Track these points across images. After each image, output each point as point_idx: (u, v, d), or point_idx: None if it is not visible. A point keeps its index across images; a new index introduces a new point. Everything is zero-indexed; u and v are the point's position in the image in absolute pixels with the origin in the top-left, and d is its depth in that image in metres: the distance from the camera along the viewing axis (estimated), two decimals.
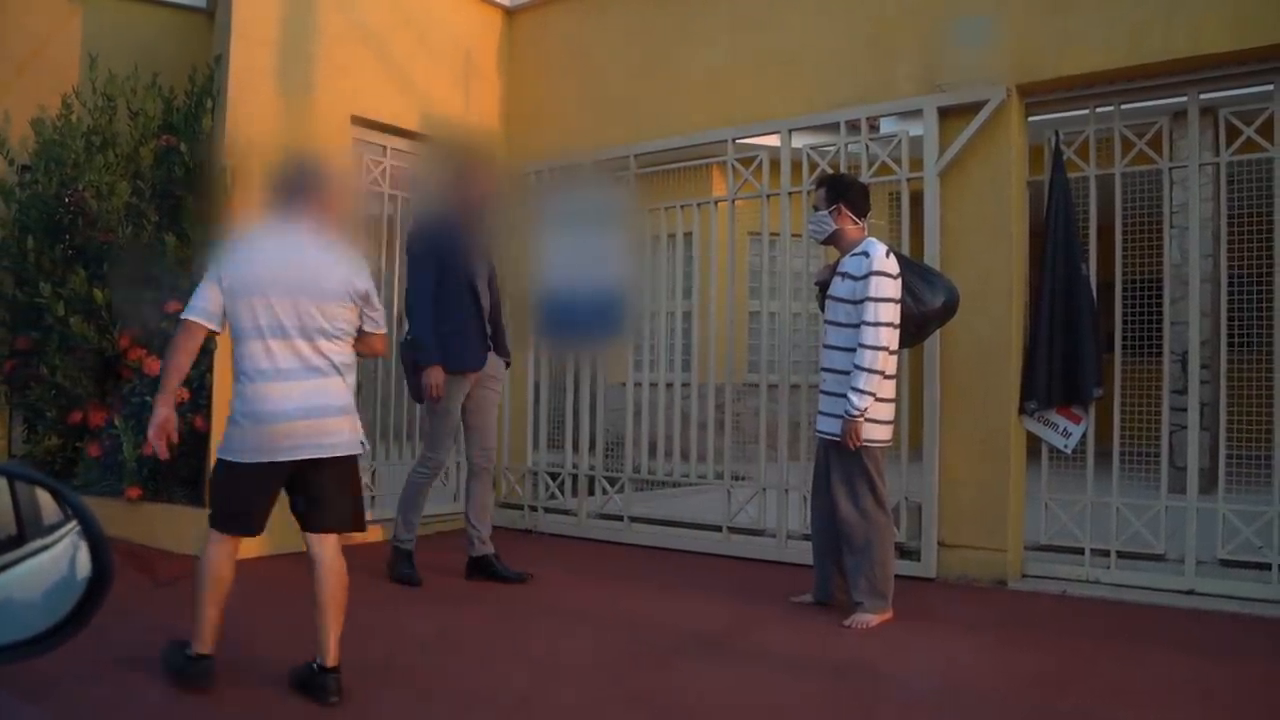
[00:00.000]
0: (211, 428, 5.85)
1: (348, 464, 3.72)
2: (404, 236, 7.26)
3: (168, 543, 5.91)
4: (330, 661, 3.61)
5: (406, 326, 5.57)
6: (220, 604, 3.65)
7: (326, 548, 3.69)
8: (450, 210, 5.50)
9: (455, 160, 5.74)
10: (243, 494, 3.64)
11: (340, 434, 3.63)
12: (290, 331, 3.53)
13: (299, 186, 3.68)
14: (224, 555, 3.67)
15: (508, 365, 5.87)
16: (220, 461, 3.65)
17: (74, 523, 1.53)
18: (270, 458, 3.53)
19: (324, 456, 3.59)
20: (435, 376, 5.29)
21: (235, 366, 3.57)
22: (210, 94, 6.16)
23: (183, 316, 3.54)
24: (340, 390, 3.65)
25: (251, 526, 3.71)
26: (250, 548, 5.94)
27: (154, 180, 6.07)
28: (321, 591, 3.67)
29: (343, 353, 3.66)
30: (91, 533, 1.52)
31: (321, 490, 3.65)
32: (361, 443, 3.76)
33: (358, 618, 4.79)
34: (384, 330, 3.89)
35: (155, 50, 6.64)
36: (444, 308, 5.34)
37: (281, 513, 6.15)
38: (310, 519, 3.70)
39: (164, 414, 3.54)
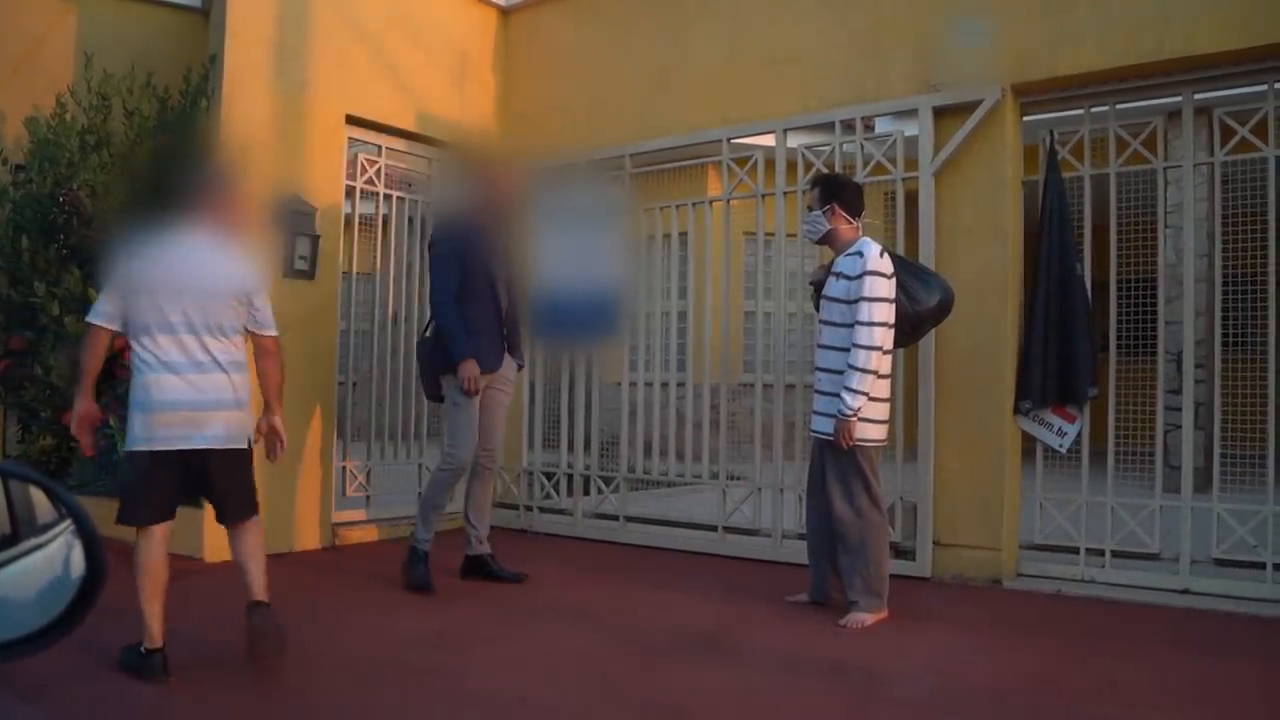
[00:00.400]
0: None
1: (237, 456, 3.91)
2: (402, 236, 7.29)
3: None
4: (261, 596, 3.86)
5: (429, 326, 5.56)
6: (161, 597, 3.74)
7: (239, 530, 3.97)
8: (474, 211, 5.53)
9: (479, 163, 5.77)
10: (142, 482, 3.80)
11: (223, 427, 3.83)
12: (179, 328, 3.77)
13: (198, 191, 3.89)
14: (154, 550, 3.78)
15: (520, 368, 5.88)
16: (126, 454, 3.86)
17: (68, 522, 1.53)
18: (152, 446, 3.74)
19: (209, 448, 3.80)
20: (471, 370, 5.29)
21: (132, 362, 3.80)
22: (205, 94, 6.15)
23: (86, 320, 3.83)
24: (225, 385, 3.85)
25: (154, 515, 3.80)
26: None
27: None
28: (238, 555, 3.96)
29: (229, 350, 3.88)
30: (85, 532, 1.52)
31: (215, 482, 3.89)
32: (248, 438, 3.96)
33: (353, 617, 4.81)
34: (270, 332, 4.06)
35: (150, 49, 6.62)
36: (464, 306, 5.35)
37: (270, 511, 6.17)
38: (219, 509, 3.96)
39: (81, 408, 3.82)
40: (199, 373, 3.78)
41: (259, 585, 3.88)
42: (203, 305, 3.79)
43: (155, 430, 3.72)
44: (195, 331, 3.78)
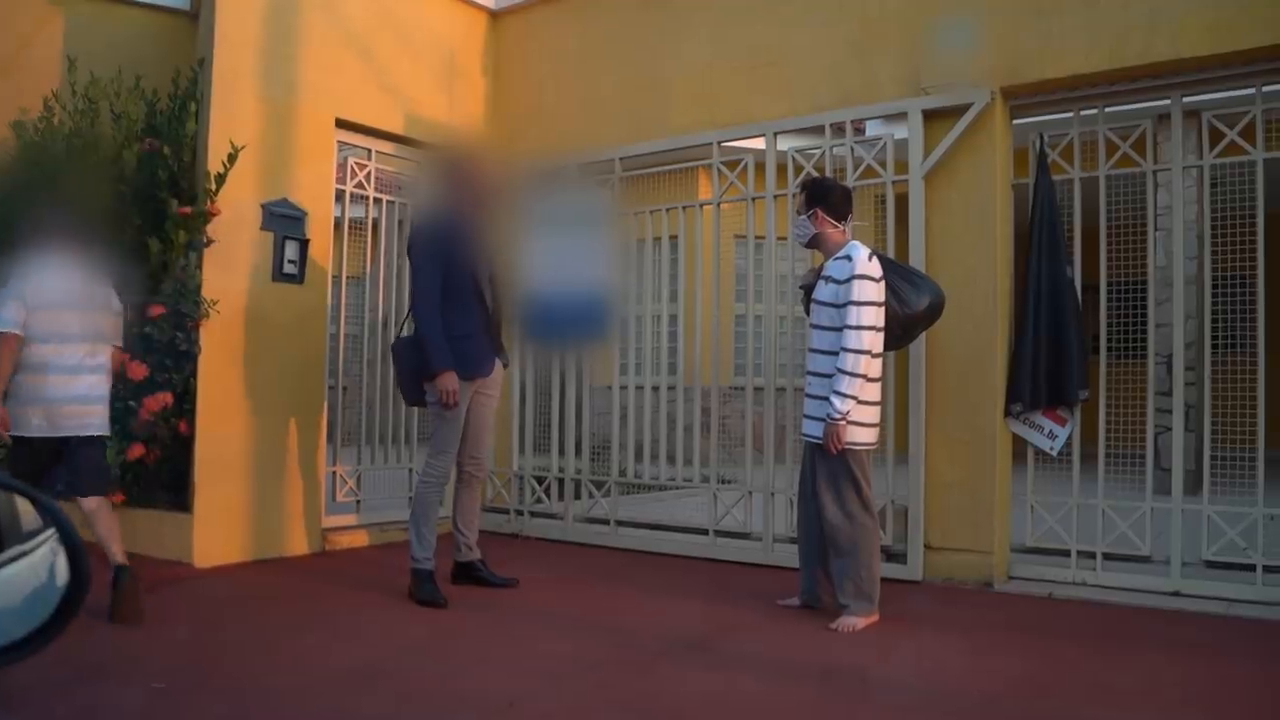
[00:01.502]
0: (197, 432, 5.85)
1: (100, 442, 4.82)
2: (392, 239, 7.27)
3: (149, 548, 5.90)
4: (121, 560, 4.63)
5: (407, 327, 5.47)
6: None
7: (91, 502, 4.69)
8: (455, 211, 5.39)
9: (461, 160, 5.71)
10: (27, 461, 4.63)
11: (96, 418, 4.77)
12: (77, 338, 4.69)
13: (62, 227, 4.77)
14: None
15: (505, 366, 5.77)
16: (15, 438, 4.65)
17: (52, 530, 1.52)
18: (51, 433, 4.63)
19: (84, 434, 4.69)
20: (450, 383, 5.13)
21: (25, 362, 4.59)
22: (194, 97, 6.13)
23: None
24: (102, 383, 4.81)
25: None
26: (230, 553, 5.97)
27: (137, 184, 6.01)
28: (97, 530, 4.64)
29: (104, 355, 4.83)
30: (69, 540, 1.51)
31: (81, 462, 4.70)
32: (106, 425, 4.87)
33: (342, 623, 4.80)
34: (119, 343, 5.02)
35: (138, 53, 6.59)
36: (451, 311, 5.20)
37: (259, 516, 6.16)
38: (74, 486, 4.67)
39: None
40: (88, 374, 4.72)
41: (116, 548, 4.63)
42: (94, 319, 4.77)
43: (57, 421, 4.61)
44: (86, 340, 4.72)
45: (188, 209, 5.84)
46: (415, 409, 6.90)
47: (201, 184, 5.93)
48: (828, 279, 4.80)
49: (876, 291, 4.68)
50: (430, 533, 5.30)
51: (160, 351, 5.87)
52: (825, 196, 4.91)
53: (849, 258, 4.72)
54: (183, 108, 6.12)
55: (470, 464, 5.55)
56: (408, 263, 5.49)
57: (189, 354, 5.88)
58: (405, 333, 5.51)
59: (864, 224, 5.62)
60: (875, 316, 4.67)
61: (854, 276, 4.64)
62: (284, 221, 6.30)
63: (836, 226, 4.89)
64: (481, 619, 4.94)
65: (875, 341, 4.68)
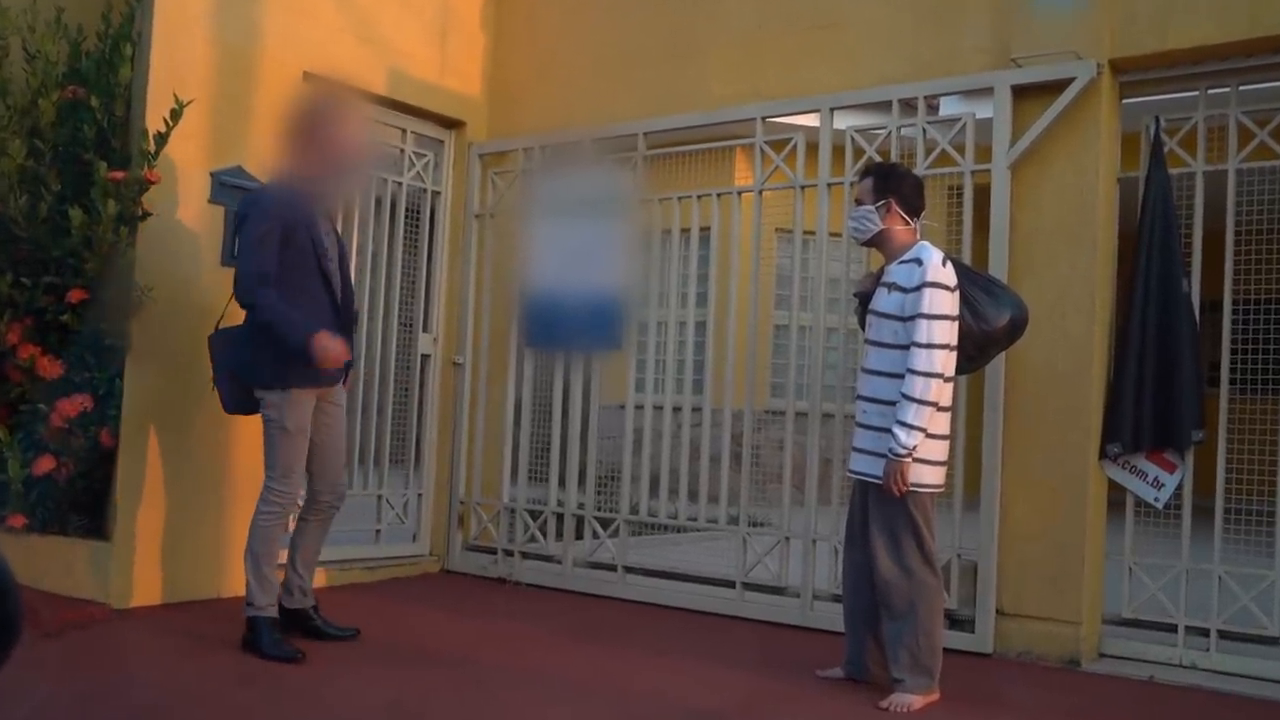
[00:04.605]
0: (120, 444, 5.75)
1: None
2: (367, 219, 7.17)
3: (57, 583, 5.79)
4: None
5: (222, 319, 5.31)
6: None
7: None
8: (305, 175, 5.23)
9: (321, 109, 5.49)
10: None
11: None
12: None
13: None
14: None
15: (350, 367, 5.59)
16: None
17: None
18: None
19: None
20: (329, 341, 4.91)
21: None
22: (129, 38, 6.05)
23: None
24: None
25: None
26: (155, 592, 5.84)
27: (56, 140, 5.94)
28: None
29: None
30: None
31: None
32: None
33: (289, 680, 4.68)
34: None
35: None
36: (292, 300, 5.01)
37: (195, 549, 6.03)
38: None
39: None
40: None
41: None
42: None
43: None
44: None
45: (119, 174, 5.74)
46: (391, 423, 6.82)
47: (137, 144, 5.85)
48: (891, 286, 4.76)
49: (951, 304, 4.63)
50: (273, 572, 5.19)
51: (79, 345, 5.78)
52: (900, 185, 4.88)
53: (919, 261, 4.67)
54: (115, 50, 6.04)
55: (329, 493, 5.42)
56: (236, 237, 5.27)
57: (115, 349, 5.80)
58: (222, 324, 5.38)
59: (934, 224, 5.55)
60: (949, 333, 4.61)
61: (925, 284, 4.59)
62: (237, 194, 6.17)
63: (908, 223, 4.86)
64: (460, 680, 4.88)
65: (948, 363, 4.62)
